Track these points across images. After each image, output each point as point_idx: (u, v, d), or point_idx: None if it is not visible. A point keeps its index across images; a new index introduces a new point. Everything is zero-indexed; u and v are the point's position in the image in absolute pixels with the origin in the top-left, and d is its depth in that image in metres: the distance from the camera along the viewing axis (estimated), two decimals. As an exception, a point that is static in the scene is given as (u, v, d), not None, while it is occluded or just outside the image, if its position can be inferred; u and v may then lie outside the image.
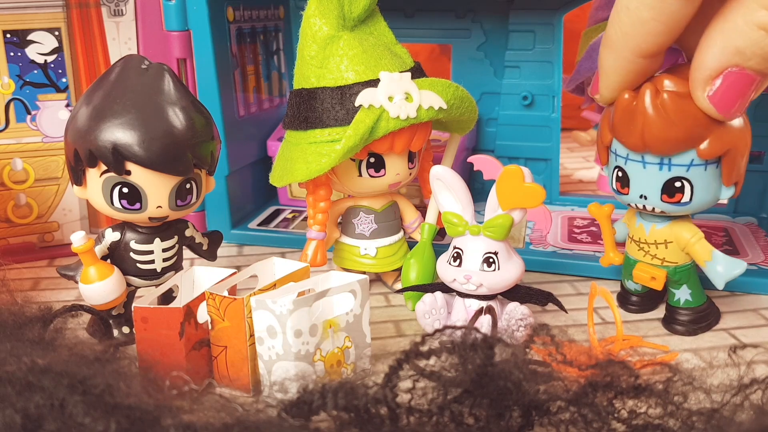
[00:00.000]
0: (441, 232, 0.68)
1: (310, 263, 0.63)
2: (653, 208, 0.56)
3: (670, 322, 0.61)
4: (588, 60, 0.87)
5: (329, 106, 0.59)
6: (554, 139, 0.87)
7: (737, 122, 0.53)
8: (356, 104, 0.58)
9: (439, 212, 0.65)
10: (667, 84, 0.53)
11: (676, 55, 0.86)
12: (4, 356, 0.40)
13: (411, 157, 0.63)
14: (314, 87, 0.60)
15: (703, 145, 0.52)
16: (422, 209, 0.68)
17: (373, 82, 0.58)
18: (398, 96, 0.58)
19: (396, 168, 0.63)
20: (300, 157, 0.60)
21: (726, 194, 0.55)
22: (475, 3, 0.87)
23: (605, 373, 0.40)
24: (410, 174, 0.64)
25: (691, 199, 0.55)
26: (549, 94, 0.86)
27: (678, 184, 0.54)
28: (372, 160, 0.62)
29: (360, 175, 0.62)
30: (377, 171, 0.62)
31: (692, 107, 0.51)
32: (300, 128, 0.61)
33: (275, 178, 0.64)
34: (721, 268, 0.56)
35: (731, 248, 0.74)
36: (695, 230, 0.57)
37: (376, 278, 0.70)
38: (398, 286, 0.68)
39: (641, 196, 0.56)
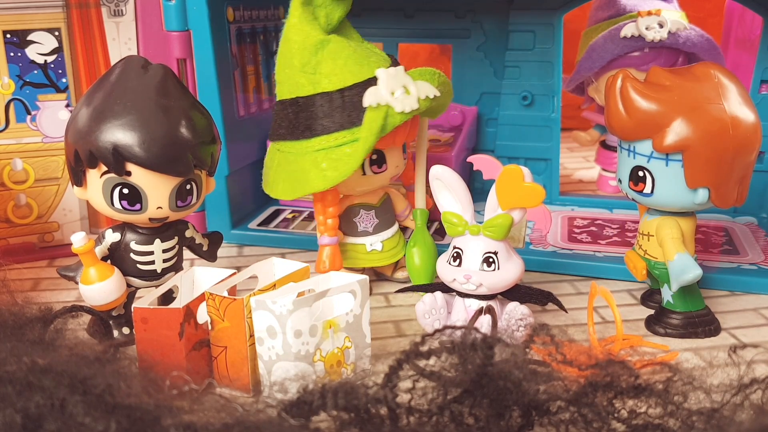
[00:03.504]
0: (441, 232, 0.68)
1: (330, 269, 0.63)
2: (626, 194, 0.59)
3: (651, 319, 0.61)
4: (588, 60, 0.87)
5: (330, 110, 0.59)
6: (554, 139, 0.87)
7: (704, 125, 0.53)
8: (365, 104, 0.58)
9: (427, 195, 0.66)
10: (635, 73, 0.56)
11: (676, 55, 0.86)
12: (5, 356, 0.40)
13: (403, 148, 0.65)
14: (311, 94, 0.60)
15: (658, 137, 0.54)
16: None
17: (370, 81, 0.58)
18: (399, 90, 0.58)
19: (395, 161, 0.64)
20: (312, 167, 0.60)
21: (697, 198, 0.55)
22: (475, 3, 0.87)
23: (605, 373, 0.40)
24: (404, 165, 0.65)
25: (652, 191, 0.56)
26: (549, 94, 0.86)
27: (641, 173, 0.56)
28: (374, 157, 0.62)
29: (364, 173, 0.63)
30: (380, 167, 0.63)
31: (650, 98, 0.54)
32: (302, 137, 0.60)
33: (281, 191, 0.62)
34: (676, 269, 0.56)
35: (731, 248, 0.74)
36: (673, 230, 0.57)
37: (376, 278, 0.70)
38: (399, 275, 0.69)
39: (619, 180, 0.59)
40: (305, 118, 0.60)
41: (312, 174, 0.60)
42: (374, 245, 0.66)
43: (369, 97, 0.58)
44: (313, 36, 0.59)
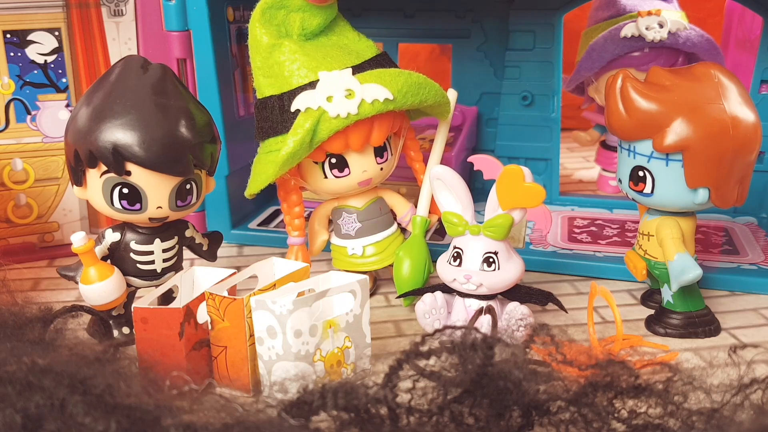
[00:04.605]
0: (441, 232, 0.68)
1: None
2: (626, 194, 0.59)
3: (651, 319, 0.61)
4: (588, 60, 0.87)
5: (278, 113, 0.59)
6: (554, 139, 0.87)
7: (704, 125, 0.53)
8: (292, 109, 0.57)
9: (433, 201, 0.65)
10: (635, 73, 0.56)
11: (676, 55, 0.86)
12: (5, 356, 0.40)
13: (380, 152, 0.62)
14: (265, 96, 0.60)
15: (658, 137, 0.54)
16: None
17: (314, 84, 0.58)
18: (338, 94, 0.57)
19: (361, 165, 0.62)
20: (257, 168, 0.61)
21: (697, 198, 0.55)
22: (475, 3, 0.87)
23: (605, 373, 0.40)
24: (382, 169, 0.63)
25: (652, 191, 0.56)
26: (549, 94, 0.86)
27: (641, 173, 0.56)
28: (333, 160, 0.61)
29: (326, 177, 0.62)
30: (341, 171, 0.62)
31: (650, 98, 0.53)
32: (260, 139, 0.62)
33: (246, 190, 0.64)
34: (676, 270, 0.56)
35: (731, 248, 0.74)
36: (673, 230, 0.57)
37: (377, 278, 0.70)
38: None
39: (619, 180, 0.59)
40: (260, 120, 0.61)
41: (255, 175, 0.61)
42: (355, 249, 0.66)
43: (297, 102, 0.58)
44: (266, 40, 0.59)
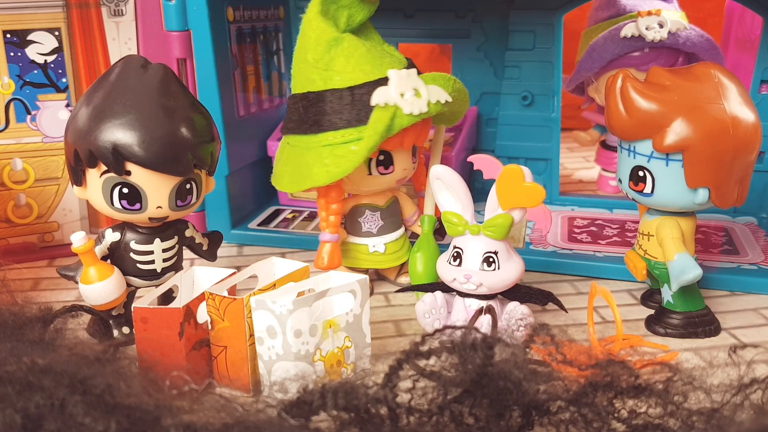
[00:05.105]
0: (441, 232, 0.68)
1: (327, 266, 0.63)
2: (626, 194, 0.59)
3: (651, 319, 0.61)
4: (588, 60, 0.87)
5: (339, 107, 0.59)
6: (554, 139, 0.87)
7: (704, 125, 0.53)
8: (372, 103, 0.58)
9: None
10: (635, 73, 0.56)
11: (676, 55, 0.86)
12: (5, 356, 0.40)
13: (414, 151, 0.65)
14: (321, 90, 0.60)
15: (658, 137, 0.54)
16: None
17: (381, 81, 0.58)
18: (409, 92, 0.58)
19: (403, 163, 0.63)
20: (316, 161, 0.60)
21: (697, 198, 0.55)
22: (475, 3, 0.87)
23: (605, 373, 0.40)
24: (414, 168, 0.65)
25: (652, 191, 0.56)
26: (549, 94, 0.86)
27: (641, 173, 0.56)
28: (381, 157, 0.62)
29: (370, 173, 0.63)
30: (386, 168, 0.63)
31: (650, 98, 0.54)
32: (310, 132, 0.61)
33: (286, 184, 0.63)
34: (676, 270, 0.56)
35: (731, 248, 0.74)
36: (673, 230, 0.57)
37: (376, 278, 0.70)
38: (402, 279, 0.69)
39: (619, 180, 0.59)
40: (314, 113, 0.60)
41: (315, 169, 0.60)
42: (377, 247, 0.66)
43: (377, 96, 0.58)
44: (328, 33, 0.59)
